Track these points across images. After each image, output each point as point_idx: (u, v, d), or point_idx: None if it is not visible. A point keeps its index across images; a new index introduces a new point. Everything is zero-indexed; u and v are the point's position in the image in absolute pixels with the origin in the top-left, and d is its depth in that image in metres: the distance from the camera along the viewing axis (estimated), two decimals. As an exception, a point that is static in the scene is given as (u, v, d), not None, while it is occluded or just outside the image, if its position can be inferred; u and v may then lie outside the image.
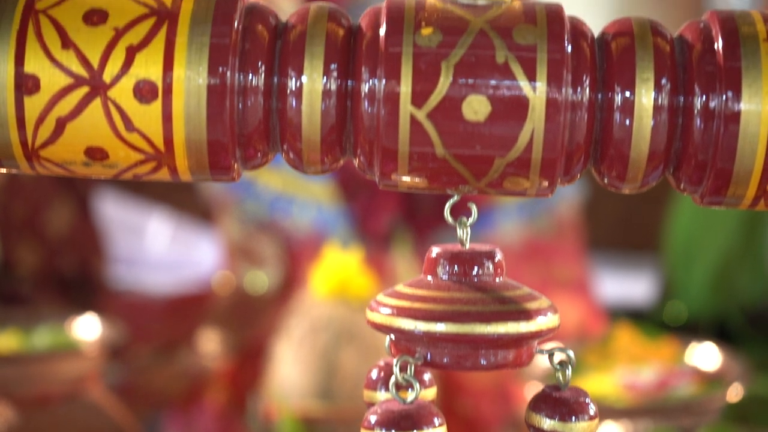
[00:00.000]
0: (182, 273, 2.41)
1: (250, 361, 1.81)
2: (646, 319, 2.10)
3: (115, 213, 2.50)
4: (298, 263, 1.85)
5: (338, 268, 1.45)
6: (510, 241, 1.88)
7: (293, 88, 0.58)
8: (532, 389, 1.34)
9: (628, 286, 2.32)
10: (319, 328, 1.43)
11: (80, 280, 2.14)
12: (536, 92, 0.57)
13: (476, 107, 0.56)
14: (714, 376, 1.41)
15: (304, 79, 0.58)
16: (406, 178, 0.59)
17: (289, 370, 1.46)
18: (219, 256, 2.13)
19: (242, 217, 1.92)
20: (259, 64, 0.58)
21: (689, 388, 1.39)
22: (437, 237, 1.81)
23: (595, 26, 0.59)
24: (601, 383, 1.41)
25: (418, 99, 0.56)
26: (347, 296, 1.45)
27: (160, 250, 2.57)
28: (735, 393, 1.35)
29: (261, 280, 1.89)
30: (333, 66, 0.58)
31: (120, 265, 2.37)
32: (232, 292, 1.93)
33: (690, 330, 2.03)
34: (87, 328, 1.54)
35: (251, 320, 1.87)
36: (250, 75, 0.58)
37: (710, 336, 1.99)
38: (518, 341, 0.58)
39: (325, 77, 0.58)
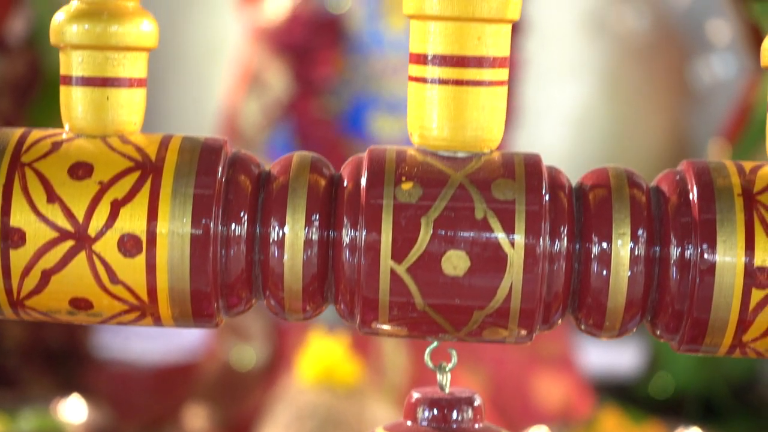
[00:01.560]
0: (169, 340, 2.41)
1: (236, 439, 1.81)
2: (632, 392, 2.10)
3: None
4: (285, 340, 1.86)
5: (324, 355, 1.46)
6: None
7: (275, 239, 0.59)
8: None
9: (614, 356, 2.33)
10: (305, 416, 1.43)
11: (67, 351, 2.14)
12: (514, 247, 0.57)
13: (455, 262, 0.57)
14: (699, 462, 1.41)
15: (286, 229, 0.59)
16: (387, 327, 0.59)
17: (275, 457, 1.46)
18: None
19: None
20: (242, 214, 0.59)
21: (674, 474, 1.40)
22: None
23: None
24: (586, 469, 1.41)
25: (397, 254, 0.57)
26: (333, 383, 1.45)
27: (147, 318, 2.56)
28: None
29: (248, 355, 1.89)
30: (315, 216, 0.59)
31: (106, 333, 2.37)
32: (219, 367, 1.94)
33: (677, 404, 2.03)
34: (73, 411, 1.54)
35: (238, 396, 1.87)
36: (233, 225, 0.59)
37: (697, 411, 2.00)
38: (496, 492, 0.59)
39: (306, 228, 0.59)
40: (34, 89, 2.27)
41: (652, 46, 2.68)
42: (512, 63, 0.61)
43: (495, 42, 0.59)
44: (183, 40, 2.50)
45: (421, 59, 0.59)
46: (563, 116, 2.63)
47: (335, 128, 1.95)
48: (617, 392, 2.04)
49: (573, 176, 0.61)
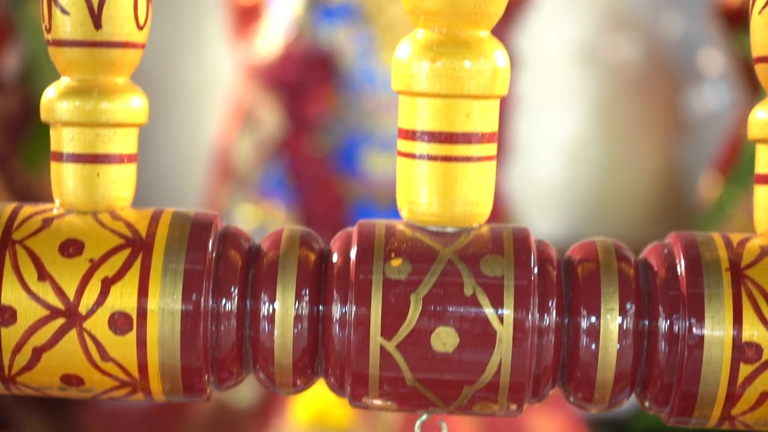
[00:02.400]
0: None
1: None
2: (627, 428, 2.10)
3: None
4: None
5: (318, 397, 1.46)
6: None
7: (266, 314, 0.59)
8: None
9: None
10: (299, 460, 1.43)
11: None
12: (503, 323, 0.58)
13: (444, 339, 0.58)
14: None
15: (276, 305, 0.59)
16: (377, 401, 0.60)
17: (269, 500, 1.46)
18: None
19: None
20: (232, 289, 0.59)
21: None
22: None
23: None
24: None
25: (387, 331, 0.58)
26: (327, 426, 1.45)
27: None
28: None
29: (242, 393, 1.89)
30: (305, 291, 0.59)
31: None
32: (212, 406, 1.93)
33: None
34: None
35: (232, 435, 1.87)
36: (224, 300, 0.59)
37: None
38: None
39: (297, 302, 0.59)
40: (27, 125, 2.27)
41: (645, 76, 2.69)
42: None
43: (483, 118, 0.59)
44: (176, 75, 2.50)
45: (409, 135, 0.60)
46: (556, 147, 2.64)
47: (328, 165, 1.96)
48: (612, 428, 2.04)
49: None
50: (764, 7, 0.60)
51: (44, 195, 2.08)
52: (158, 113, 2.54)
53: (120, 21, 0.59)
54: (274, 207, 1.95)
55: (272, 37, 1.97)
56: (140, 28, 0.60)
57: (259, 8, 2.03)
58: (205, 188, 2.14)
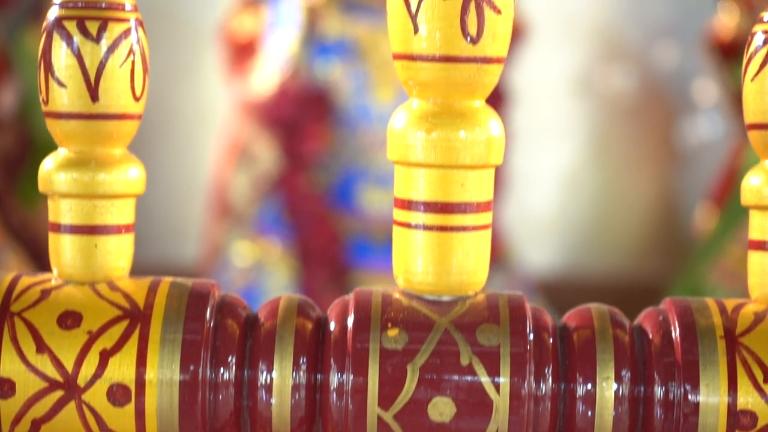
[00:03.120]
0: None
1: None
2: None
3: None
4: None
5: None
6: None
7: (263, 383, 0.59)
8: None
9: None
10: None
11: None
12: (500, 392, 0.58)
13: (441, 409, 0.58)
14: None
15: (274, 374, 0.59)
16: (375, 469, 0.60)
17: None
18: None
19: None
20: (230, 359, 0.60)
21: None
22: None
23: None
24: None
25: (384, 401, 0.58)
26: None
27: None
28: None
29: None
30: (302, 360, 0.59)
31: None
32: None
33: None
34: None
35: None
36: (221, 369, 0.59)
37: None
38: None
39: (294, 371, 0.59)
40: (24, 162, 2.28)
41: (639, 107, 2.70)
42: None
43: (478, 188, 0.60)
44: (172, 109, 2.51)
45: (405, 205, 0.60)
46: (551, 179, 2.65)
47: (324, 202, 1.96)
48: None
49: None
50: (756, 74, 0.60)
51: (40, 232, 2.09)
52: (154, 148, 2.54)
53: (117, 93, 0.60)
54: (271, 244, 1.95)
55: (268, 73, 1.98)
56: (137, 99, 0.61)
57: (255, 45, 2.04)
58: (203, 224, 2.14)
